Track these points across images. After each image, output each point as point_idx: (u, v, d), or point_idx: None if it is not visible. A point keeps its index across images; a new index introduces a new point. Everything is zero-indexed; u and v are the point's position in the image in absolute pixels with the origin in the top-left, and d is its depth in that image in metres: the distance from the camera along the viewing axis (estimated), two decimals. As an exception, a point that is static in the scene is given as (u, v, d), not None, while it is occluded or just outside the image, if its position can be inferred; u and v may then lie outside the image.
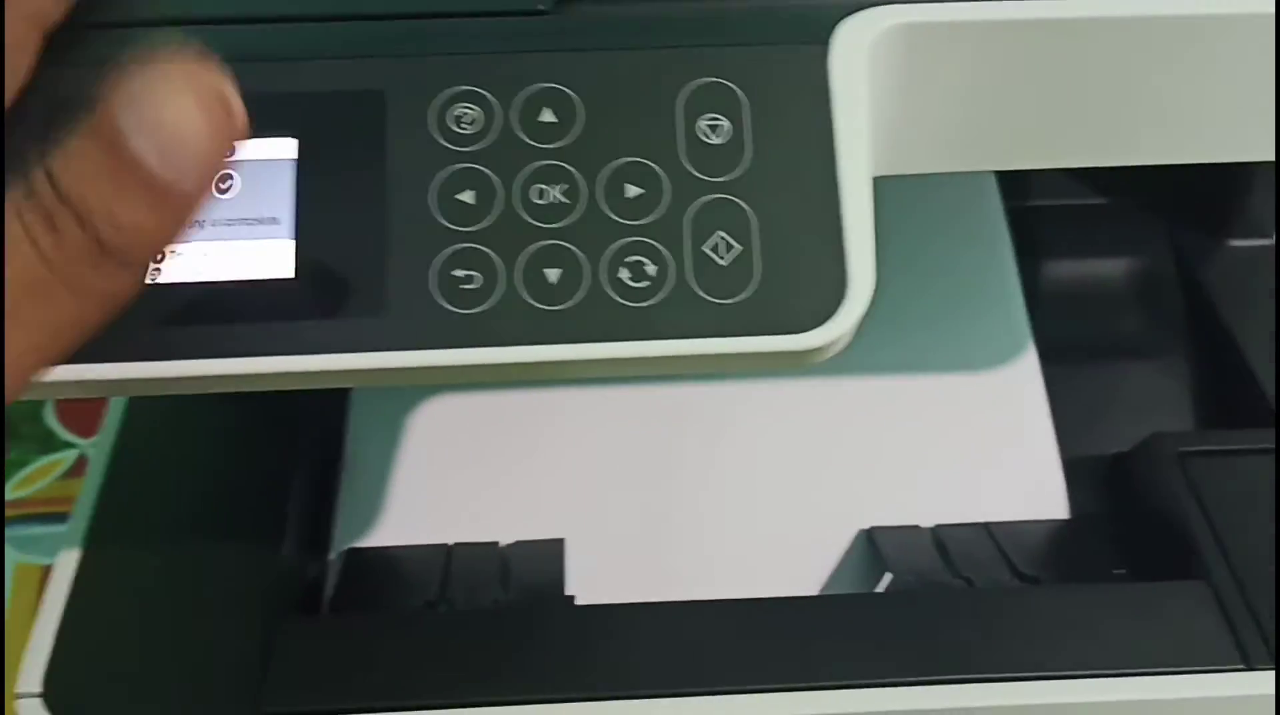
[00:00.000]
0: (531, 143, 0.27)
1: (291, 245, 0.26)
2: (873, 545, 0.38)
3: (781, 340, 0.26)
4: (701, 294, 0.26)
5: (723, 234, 0.26)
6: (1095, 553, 0.38)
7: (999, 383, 0.42)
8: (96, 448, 0.39)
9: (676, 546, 0.39)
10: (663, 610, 0.34)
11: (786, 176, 0.26)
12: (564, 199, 0.26)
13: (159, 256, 0.22)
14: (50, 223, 0.20)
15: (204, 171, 0.21)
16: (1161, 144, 0.30)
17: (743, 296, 0.26)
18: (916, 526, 0.39)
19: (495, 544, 0.39)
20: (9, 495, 0.55)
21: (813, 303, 0.26)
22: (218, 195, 0.26)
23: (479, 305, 0.26)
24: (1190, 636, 0.33)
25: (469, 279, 0.26)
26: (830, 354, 0.26)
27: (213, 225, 0.26)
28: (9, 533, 0.53)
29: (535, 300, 0.26)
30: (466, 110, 0.27)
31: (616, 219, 0.26)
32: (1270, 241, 0.46)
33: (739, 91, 0.27)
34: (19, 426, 0.57)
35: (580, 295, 0.26)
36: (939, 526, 0.39)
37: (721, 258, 0.26)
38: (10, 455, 0.56)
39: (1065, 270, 0.47)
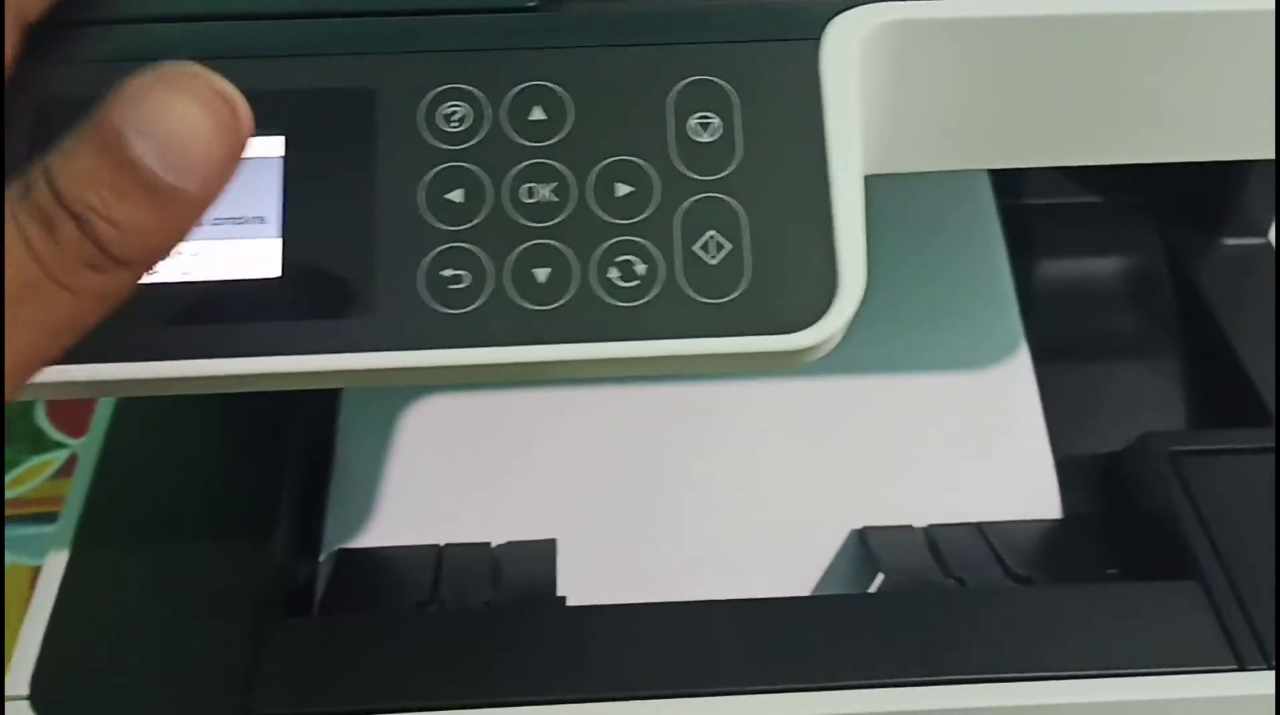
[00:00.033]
0: (521, 141, 0.26)
1: (278, 244, 0.26)
2: (865, 545, 0.38)
3: (772, 340, 0.26)
4: (692, 294, 0.26)
5: (713, 233, 0.26)
6: (1087, 553, 0.38)
7: (991, 382, 0.42)
8: (85, 448, 0.39)
9: (669, 547, 0.39)
10: (655, 611, 0.34)
11: (777, 175, 0.26)
12: (553, 198, 0.26)
13: (163, 256, 0.21)
14: (48, 224, 0.20)
15: (208, 173, 0.21)
16: (1156, 142, 0.30)
17: (733, 296, 0.26)
18: (909, 526, 0.39)
19: (487, 544, 0.39)
20: (-1, 496, 0.55)
21: (803, 302, 0.26)
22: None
23: (468, 305, 0.26)
24: (1183, 637, 0.33)
25: (458, 279, 0.26)
26: (821, 354, 0.26)
27: (198, 224, 0.26)
28: (-1, 533, 0.53)
29: (524, 300, 0.26)
30: (455, 108, 0.26)
31: (606, 218, 0.26)
32: (1263, 240, 0.46)
33: (730, 89, 0.27)
34: (10, 426, 0.57)
35: (570, 295, 0.26)
36: (931, 526, 0.39)
37: (712, 257, 0.26)
38: (0, 455, 0.56)
39: (1058, 269, 0.47)
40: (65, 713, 0.32)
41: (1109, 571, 0.37)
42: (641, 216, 0.26)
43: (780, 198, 0.26)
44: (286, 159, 0.26)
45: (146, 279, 0.25)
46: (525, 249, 0.26)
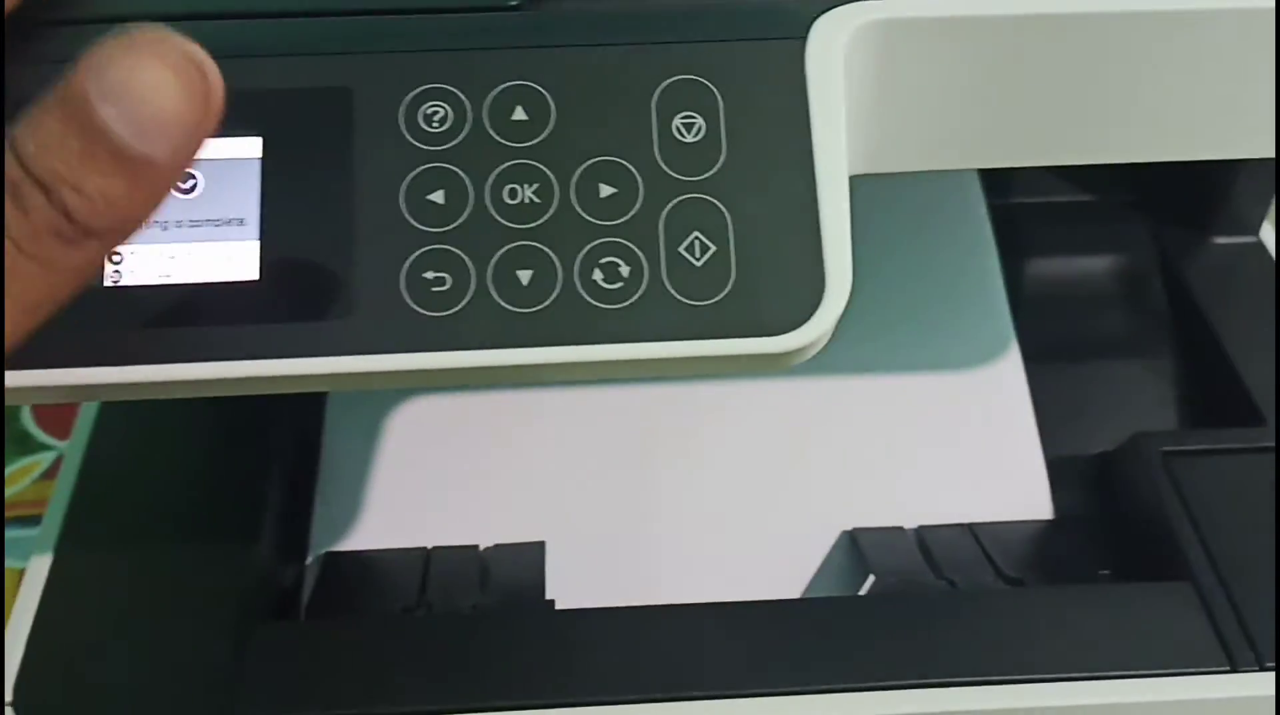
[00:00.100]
0: (503, 141, 0.26)
1: (257, 247, 0.25)
2: (855, 547, 0.38)
3: (758, 342, 0.25)
4: (676, 295, 0.26)
5: (698, 234, 0.26)
6: (1079, 554, 0.38)
7: (982, 382, 0.42)
8: (69, 451, 0.39)
9: (658, 549, 0.39)
10: (644, 614, 0.34)
11: (762, 175, 0.26)
12: (536, 199, 0.26)
13: (135, 227, 0.21)
14: (15, 195, 0.20)
15: (179, 139, 0.20)
16: (1149, 142, 0.30)
17: (718, 298, 0.26)
18: (900, 528, 0.39)
19: (475, 547, 0.39)
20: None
21: (789, 304, 0.26)
22: (181, 195, 0.26)
23: (450, 307, 0.25)
24: (1175, 638, 0.32)
25: (439, 281, 0.25)
26: (808, 356, 0.26)
27: (177, 226, 0.25)
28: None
29: (507, 302, 0.25)
30: (436, 108, 0.26)
31: (590, 219, 0.26)
32: (1254, 238, 0.46)
33: (714, 89, 0.26)
34: (-5, 430, 0.57)
35: (553, 297, 0.25)
36: (922, 527, 0.39)
37: (697, 258, 0.26)
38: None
39: (1049, 268, 0.47)
40: (48, 718, 0.32)
41: (1101, 572, 0.37)
42: (625, 218, 0.26)
43: (765, 199, 0.26)
44: (264, 160, 0.26)
45: (124, 282, 0.25)
46: (508, 251, 0.26)
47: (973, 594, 0.35)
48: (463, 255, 0.26)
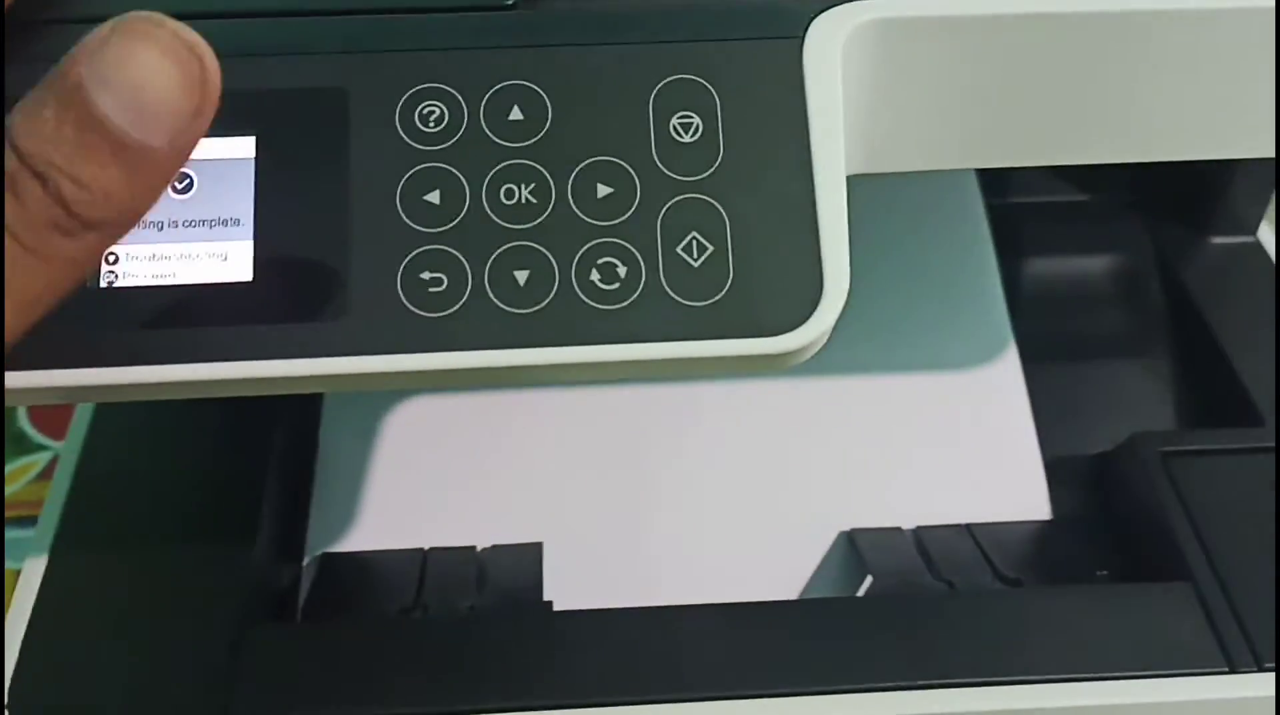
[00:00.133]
0: (499, 141, 0.26)
1: (252, 247, 0.25)
2: (853, 547, 0.38)
3: (756, 343, 0.25)
4: (674, 296, 0.26)
5: (696, 235, 0.26)
6: (1077, 554, 0.38)
7: (980, 382, 0.42)
8: (64, 451, 0.39)
9: (656, 550, 0.39)
10: (642, 615, 0.34)
11: (760, 176, 0.26)
12: (533, 199, 0.26)
13: (134, 218, 0.21)
14: (12, 186, 0.19)
15: (176, 128, 0.20)
16: (1148, 141, 0.30)
17: (716, 298, 0.26)
18: (898, 528, 0.39)
19: (472, 548, 0.39)
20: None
21: (787, 305, 0.25)
22: (175, 196, 0.25)
23: (446, 308, 0.25)
24: (1174, 639, 0.32)
25: (436, 281, 0.25)
26: (806, 357, 0.26)
27: (171, 227, 0.25)
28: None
29: (504, 303, 0.25)
30: (433, 108, 0.26)
31: (587, 219, 0.26)
32: (1251, 238, 0.46)
33: (711, 89, 0.26)
34: (-10, 429, 0.57)
35: (550, 298, 0.25)
36: (920, 528, 0.39)
37: (694, 259, 0.26)
38: (-19, 459, 0.56)
39: (1046, 268, 0.47)
40: (43, 721, 0.32)
41: (1099, 573, 0.37)
42: (623, 218, 0.26)
43: (763, 199, 0.26)
44: (259, 160, 0.26)
45: (118, 283, 0.25)
46: (505, 251, 0.26)
47: (971, 595, 0.35)
48: (459, 255, 0.25)
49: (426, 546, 0.39)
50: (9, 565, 0.52)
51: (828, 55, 0.27)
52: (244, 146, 0.26)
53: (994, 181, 0.47)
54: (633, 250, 0.26)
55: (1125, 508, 0.38)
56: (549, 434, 0.41)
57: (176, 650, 0.33)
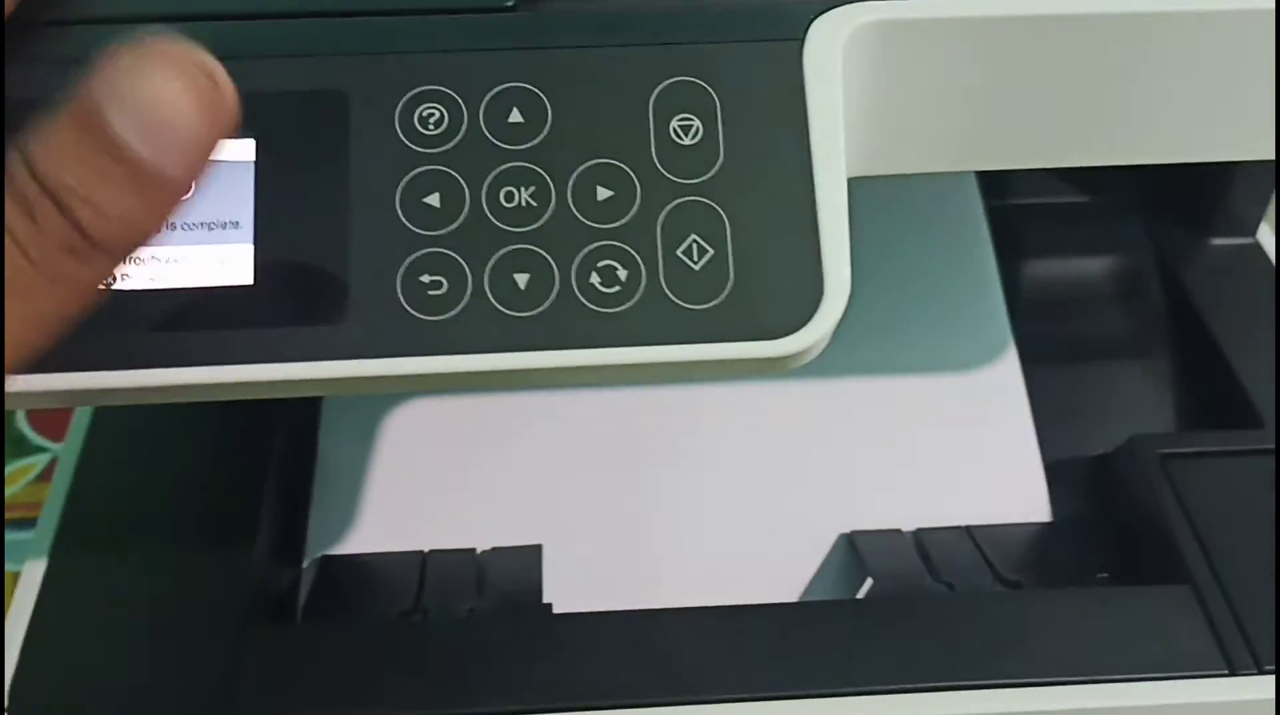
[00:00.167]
0: (499, 144, 0.26)
1: (252, 250, 0.25)
2: (853, 549, 0.38)
3: (756, 346, 0.25)
4: (674, 299, 0.25)
5: (696, 237, 0.26)
6: (1077, 556, 0.38)
7: (979, 384, 0.42)
8: (64, 453, 0.39)
9: (656, 552, 0.39)
10: (642, 618, 0.34)
11: (760, 178, 0.26)
12: (533, 202, 0.26)
13: (145, 241, 0.21)
14: (28, 210, 0.19)
15: (192, 153, 0.20)
16: (1148, 144, 0.30)
17: (717, 301, 0.25)
18: (898, 530, 0.39)
19: (471, 550, 0.39)
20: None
21: (788, 308, 0.25)
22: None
23: (446, 311, 0.25)
24: (1174, 641, 0.32)
25: (436, 284, 0.25)
26: (807, 360, 0.26)
27: (170, 230, 0.25)
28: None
29: (504, 306, 0.25)
30: (432, 110, 0.26)
31: (587, 222, 0.26)
32: (1251, 239, 0.46)
33: (711, 91, 0.26)
34: (-11, 432, 0.56)
35: (550, 301, 0.25)
36: (920, 530, 0.39)
37: (694, 262, 0.26)
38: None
39: (1046, 269, 0.47)
40: (43, 723, 0.32)
41: (1099, 575, 0.37)
42: (623, 221, 0.26)
43: (763, 201, 0.26)
44: (259, 163, 0.26)
45: (117, 286, 0.25)
46: (505, 254, 0.26)
47: (971, 597, 0.35)
48: (459, 259, 0.25)
49: (426, 549, 0.39)
50: (8, 567, 0.52)
51: (828, 57, 0.27)
52: (244, 149, 0.26)
53: (993, 183, 0.47)
54: (633, 253, 0.26)
55: (1125, 510, 0.38)
56: (548, 436, 0.41)
57: (177, 652, 0.33)
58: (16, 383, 0.25)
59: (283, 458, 0.39)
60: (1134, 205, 0.48)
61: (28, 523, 0.53)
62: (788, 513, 0.39)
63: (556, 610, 0.35)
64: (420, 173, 0.26)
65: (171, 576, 0.35)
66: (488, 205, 0.26)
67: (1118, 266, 0.47)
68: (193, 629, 0.33)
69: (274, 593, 0.37)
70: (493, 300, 0.25)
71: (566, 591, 0.36)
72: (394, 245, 0.25)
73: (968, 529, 0.39)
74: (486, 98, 0.26)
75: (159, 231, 0.21)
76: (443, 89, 0.26)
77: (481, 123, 0.26)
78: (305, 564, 0.39)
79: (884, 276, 0.44)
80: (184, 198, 0.20)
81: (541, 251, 0.26)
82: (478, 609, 0.36)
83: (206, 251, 0.25)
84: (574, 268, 0.25)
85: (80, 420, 0.40)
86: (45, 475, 0.55)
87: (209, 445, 0.39)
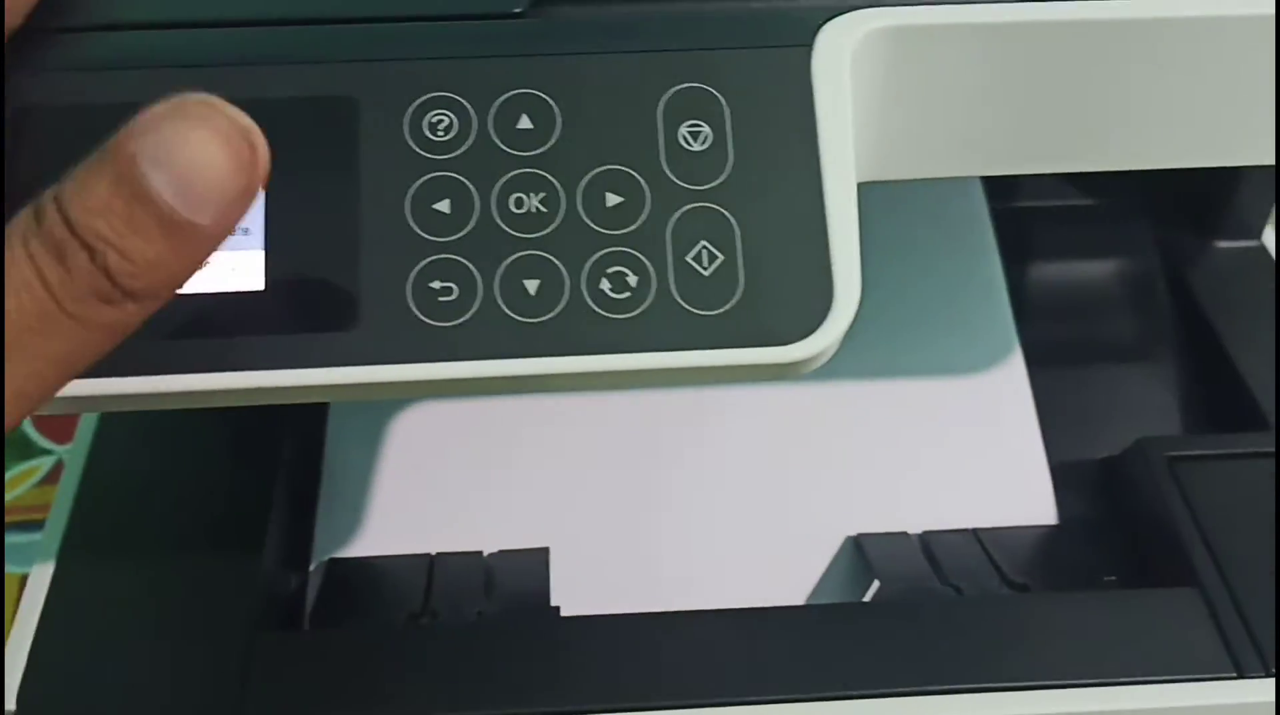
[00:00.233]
0: (509, 150, 0.26)
1: (262, 257, 0.25)
2: (860, 552, 0.38)
3: (766, 352, 0.25)
4: (684, 305, 0.25)
5: (705, 244, 0.26)
6: (1084, 559, 0.38)
7: (985, 386, 0.42)
8: (71, 456, 0.39)
9: (663, 555, 0.39)
10: (650, 621, 0.34)
11: (770, 184, 0.26)
12: (543, 208, 0.26)
13: (174, 290, 0.22)
14: (59, 254, 0.20)
15: (224, 208, 0.20)
16: (1153, 149, 0.30)
17: (726, 307, 0.25)
18: (904, 533, 0.39)
19: (479, 554, 0.39)
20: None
21: (798, 314, 0.25)
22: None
23: (456, 318, 0.25)
24: (1181, 644, 0.32)
25: (446, 291, 0.25)
26: (816, 366, 0.26)
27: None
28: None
29: (514, 312, 0.25)
30: (441, 117, 0.26)
31: (597, 228, 0.26)
32: (1256, 242, 0.46)
33: (720, 97, 0.26)
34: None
35: (560, 307, 0.25)
36: (927, 533, 0.39)
37: (704, 268, 0.26)
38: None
39: (1051, 272, 0.47)
40: (52, 729, 0.32)
41: (1106, 578, 0.37)
42: (632, 227, 0.26)
43: (773, 207, 0.26)
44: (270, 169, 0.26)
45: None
46: (515, 260, 0.26)
47: (978, 600, 0.35)
48: (469, 265, 0.25)
49: (433, 552, 0.39)
50: (15, 569, 0.52)
51: (837, 63, 0.27)
52: (255, 156, 0.26)
53: (999, 186, 0.47)
54: (643, 259, 0.26)
55: (1132, 512, 0.38)
56: (554, 439, 0.41)
57: (185, 657, 0.33)
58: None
59: (290, 460, 0.39)
60: (1139, 208, 0.48)
61: (33, 525, 0.53)
62: (794, 515, 0.39)
63: (565, 613, 0.35)
64: (430, 179, 0.26)
65: (179, 580, 0.35)
66: (497, 211, 0.26)
67: (1123, 269, 0.47)
68: (201, 634, 0.33)
69: (282, 596, 0.37)
70: (503, 306, 0.25)
71: (575, 594, 0.36)
72: (404, 251, 0.25)
73: (974, 532, 0.39)
74: (496, 104, 0.26)
75: (189, 278, 0.21)
76: (452, 95, 0.26)
77: (491, 129, 0.26)
78: (312, 567, 0.39)
79: (889, 279, 0.44)
80: (216, 247, 0.21)
81: (551, 258, 0.26)
82: (486, 612, 0.36)
83: (218, 257, 0.25)
84: (584, 274, 0.26)
85: (87, 423, 0.40)
86: (50, 477, 0.55)
87: (216, 448, 0.39)
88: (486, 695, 0.32)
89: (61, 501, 0.37)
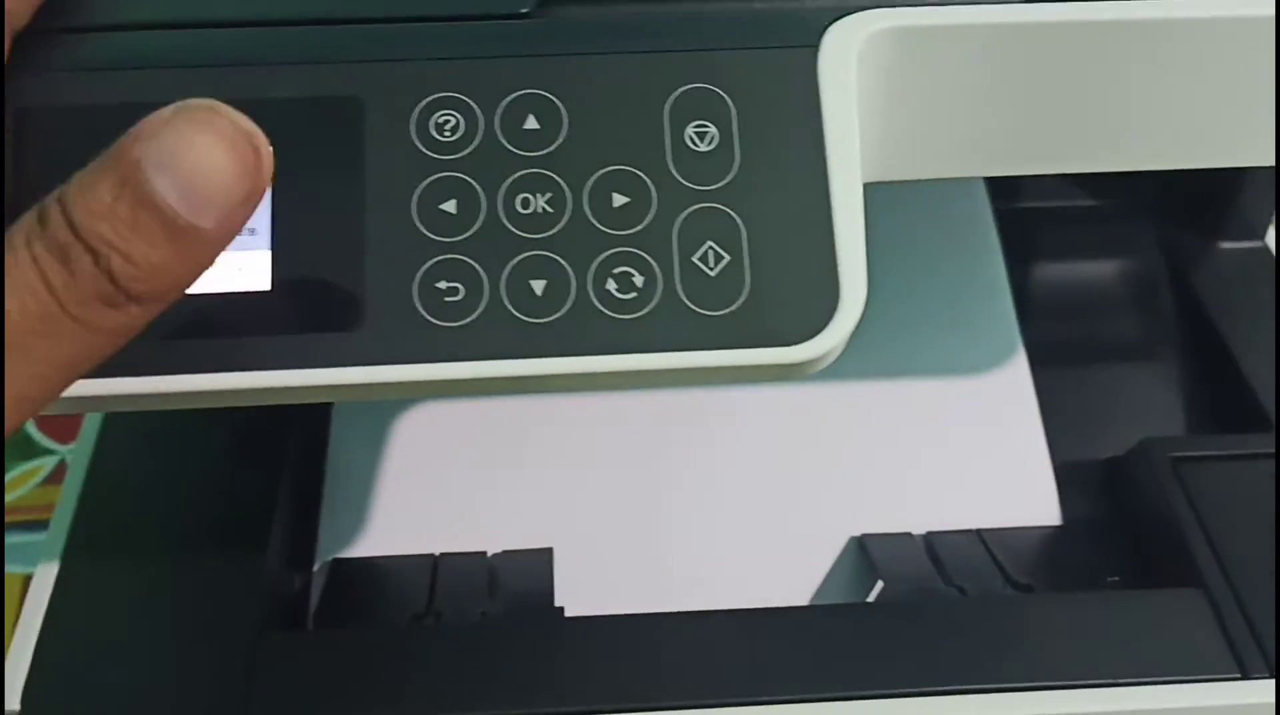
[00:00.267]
0: (515, 150, 0.26)
1: (269, 257, 0.25)
2: (864, 553, 0.38)
3: (772, 353, 0.25)
4: (690, 305, 0.25)
5: (712, 244, 0.26)
6: (1088, 560, 0.38)
7: (989, 387, 0.42)
8: (75, 456, 0.39)
9: (667, 555, 0.39)
10: (653, 621, 0.34)
11: (776, 185, 0.26)
12: (549, 208, 0.26)
13: (178, 293, 0.22)
14: (63, 256, 0.20)
15: (228, 212, 0.21)
16: (1155, 149, 0.30)
17: (732, 308, 0.25)
18: (908, 534, 0.39)
19: (483, 554, 0.39)
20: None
21: (804, 314, 0.25)
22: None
23: (463, 318, 0.25)
24: (1185, 645, 0.32)
25: (452, 291, 0.25)
26: (822, 366, 0.26)
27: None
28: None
29: (520, 312, 0.25)
30: (448, 117, 0.26)
31: (603, 229, 0.26)
32: (1260, 243, 0.46)
33: (727, 97, 0.26)
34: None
35: (567, 307, 0.25)
36: (931, 533, 0.39)
37: (710, 268, 0.26)
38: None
39: (1055, 273, 0.47)
40: (57, 729, 0.32)
41: (1110, 579, 0.37)
42: (639, 227, 0.26)
43: (779, 208, 0.26)
44: (275, 170, 0.25)
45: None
46: (521, 260, 0.26)
47: (982, 601, 0.35)
48: (475, 265, 0.25)
49: (437, 552, 0.39)
50: (18, 569, 0.52)
51: (843, 63, 0.27)
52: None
53: (1002, 186, 0.47)
54: (649, 259, 0.26)
55: (1136, 513, 0.38)
56: (558, 439, 0.41)
57: (190, 658, 0.33)
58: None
59: (294, 460, 0.39)
60: (1143, 209, 0.48)
61: (36, 525, 0.53)
62: (798, 516, 0.39)
63: (569, 614, 0.35)
64: (436, 179, 0.26)
65: (183, 580, 0.35)
66: (504, 212, 0.26)
67: (1126, 270, 0.47)
68: (205, 634, 0.33)
69: (286, 596, 0.37)
70: (509, 307, 0.25)
71: (579, 595, 0.36)
72: (410, 252, 0.25)
73: (978, 532, 0.39)
74: (502, 104, 0.26)
75: (193, 282, 0.21)
76: (458, 96, 0.26)
77: (497, 129, 0.26)
78: (316, 567, 0.39)
79: (893, 280, 0.44)
80: (220, 251, 0.21)
81: (558, 258, 0.26)
82: (490, 612, 0.36)
83: (224, 258, 0.25)
84: (590, 274, 0.26)
85: (91, 423, 0.40)
86: (53, 477, 0.56)
87: (221, 448, 0.39)
88: (490, 696, 0.32)
89: (66, 501, 0.37)
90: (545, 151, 0.26)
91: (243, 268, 0.25)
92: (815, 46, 0.27)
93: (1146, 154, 0.30)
